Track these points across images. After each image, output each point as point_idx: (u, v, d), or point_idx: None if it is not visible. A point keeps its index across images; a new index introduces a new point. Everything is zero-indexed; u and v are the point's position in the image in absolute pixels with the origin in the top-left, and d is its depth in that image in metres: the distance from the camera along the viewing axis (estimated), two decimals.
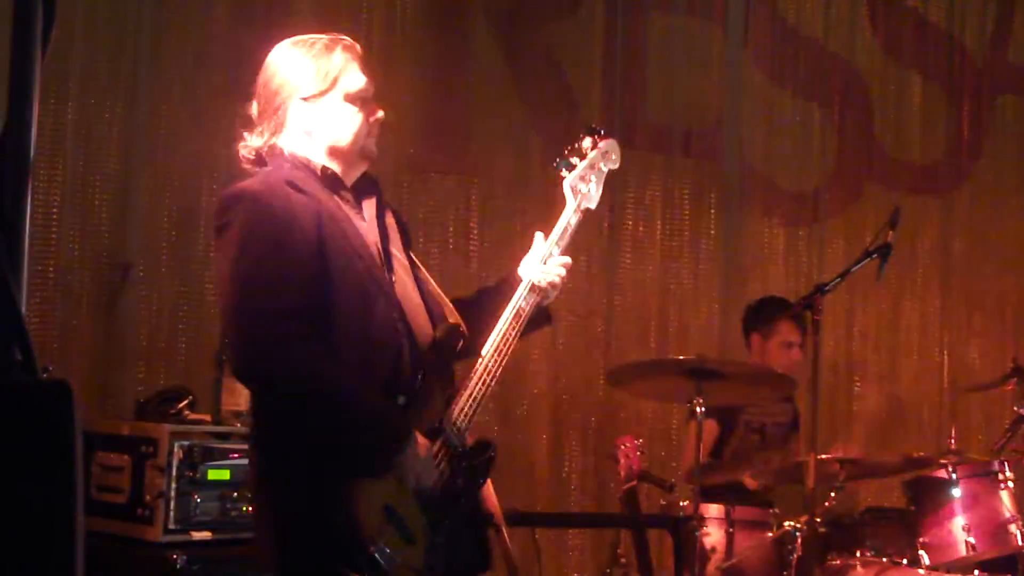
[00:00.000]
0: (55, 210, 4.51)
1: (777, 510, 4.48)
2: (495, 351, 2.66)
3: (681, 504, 4.33)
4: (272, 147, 2.65)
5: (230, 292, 2.49)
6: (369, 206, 2.73)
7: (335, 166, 2.68)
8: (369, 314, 2.55)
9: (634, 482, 4.38)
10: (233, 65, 4.55)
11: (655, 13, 6.00)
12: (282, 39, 2.74)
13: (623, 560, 4.51)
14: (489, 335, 2.69)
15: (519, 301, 2.73)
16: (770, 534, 4.33)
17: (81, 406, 1.28)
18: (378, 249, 2.66)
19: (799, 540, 4.21)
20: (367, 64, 2.73)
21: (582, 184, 2.89)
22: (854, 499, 4.68)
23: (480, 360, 2.66)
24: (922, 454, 4.76)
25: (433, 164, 5.43)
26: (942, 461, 4.53)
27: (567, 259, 2.83)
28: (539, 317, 2.81)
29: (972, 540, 4.37)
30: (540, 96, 5.69)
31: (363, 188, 2.74)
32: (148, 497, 3.61)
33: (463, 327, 2.67)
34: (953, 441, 4.69)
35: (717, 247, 6.09)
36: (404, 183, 5.31)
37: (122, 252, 4.63)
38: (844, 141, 6.47)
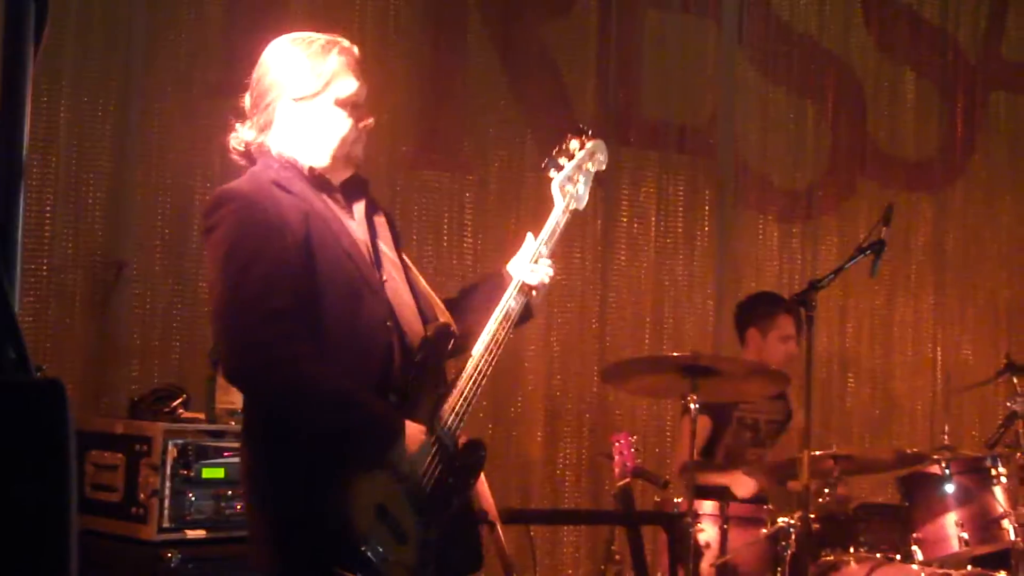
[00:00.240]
0: (48, 208, 4.50)
1: (771, 506, 4.49)
2: (486, 351, 2.66)
3: (675, 500, 4.34)
4: (260, 145, 2.65)
5: (219, 294, 2.49)
6: (359, 206, 2.72)
7: (321, 167, 2.67)
8: (359, 313, 2.54)
9: (628, 479, 4.38)
10: (226, 63, 4.56)
11: (650, 10, 6.00)
12: (275, 38, 2.73)
13: (617, 557, 4.52)
14: (479, 334, 2.69)
15: (508, 301, 2.73)
16: (764, 530, 4.33)
17: (75, 405, 1.28)
18: (368, 248, 2.65)
19: (793, 536, 4.22)
20: (363, 68, 2.71)
21: (570, 185, 2.89)
22: (848, 495, 4.67)
23: (471, 360, 2.66)
24: (915, 450, 4.77)
25: (427, 162, 5.43)
26: (935, 457, 4.54)
27: (550, 261, 2.82)
28: (524, 313, 2.81)
29: (965, 536, 4.38)
30: (534, 94, 5.68)
31: (353, 188, 2.73)
32: (142, 496, 3.61)
33: (453, 326, 2.67)
34: (946, 437, 4.70)
35: (711, 244, 6.09)
36: (398, 181, 5.31)
37: (115, 251, 4.62)
38: (838, 138, 6.47)
